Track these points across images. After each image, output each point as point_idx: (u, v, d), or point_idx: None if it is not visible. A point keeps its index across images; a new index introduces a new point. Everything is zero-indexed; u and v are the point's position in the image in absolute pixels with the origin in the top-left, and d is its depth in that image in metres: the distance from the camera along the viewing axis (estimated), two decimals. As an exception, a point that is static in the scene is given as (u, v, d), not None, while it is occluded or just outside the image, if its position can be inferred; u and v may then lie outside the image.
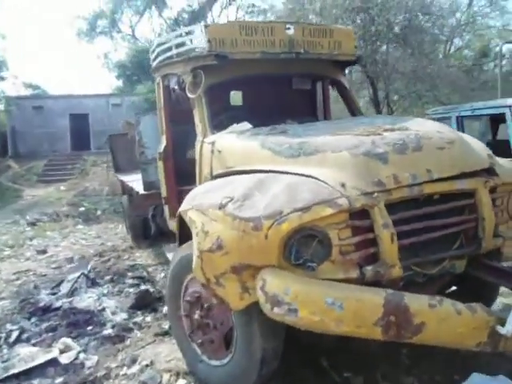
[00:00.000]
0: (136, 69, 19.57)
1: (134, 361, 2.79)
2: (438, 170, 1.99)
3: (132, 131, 4.79)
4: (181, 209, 2.37)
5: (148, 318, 3.43)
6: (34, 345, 3.07)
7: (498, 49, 16.47)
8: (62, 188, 13.51)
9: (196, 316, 2.39)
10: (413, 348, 2.68)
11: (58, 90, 25.75)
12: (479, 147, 2.28)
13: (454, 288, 2.80)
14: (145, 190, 3.92)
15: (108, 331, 3.19)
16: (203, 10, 24.55)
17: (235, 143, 2.55)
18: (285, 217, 1.72)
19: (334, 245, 1.77)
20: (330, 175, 1.90)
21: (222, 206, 1.92)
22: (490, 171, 2.15)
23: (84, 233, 7.24)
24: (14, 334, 3.18)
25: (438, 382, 2.44)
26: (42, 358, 2.78)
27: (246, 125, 2.82)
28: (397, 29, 6.62)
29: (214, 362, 2.40)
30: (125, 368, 2.72)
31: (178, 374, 2.61)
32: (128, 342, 3.04)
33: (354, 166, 1.92)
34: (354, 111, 3.53)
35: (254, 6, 24.53)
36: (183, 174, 3.65)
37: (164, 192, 3.62)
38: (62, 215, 8.96)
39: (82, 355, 2.85)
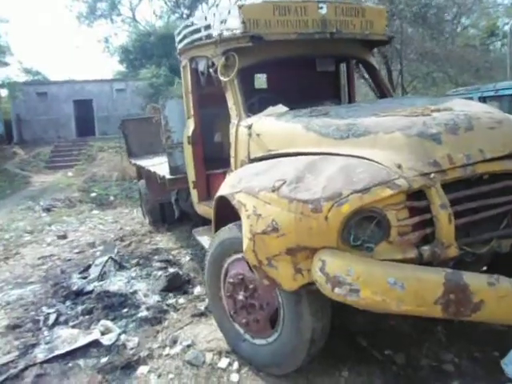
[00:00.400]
0: (139, 53, 19.32)
1: (174, 341, 2.85)
2: (490, 150, 1.98)
3: (158, 116, 4.75)
4: (225, 192, 2.37)
5: (181, 300, 3.48)
6: (72, 327, 3.13)
7: (506, 28, 16.19)
8: (70, 174, 13.51)
9: (240, 297, 2.42)
10: (447, 325, 2.77)
11: (58, 75, 25.52)
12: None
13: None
14: (171, 174, 3.91)
15: (144, 313, 3.25)
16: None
17: (276, 126, 2.54)
18: (345, 198, 1.73)
19: (392, 226, 1.78)
20: (385, 156, 1.90)
21: (275, 189, 1.93)
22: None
23: (100, 218, 7.27)
24: (52, 317, 3.24)
25: (478, 359, 2.49)
26: (84, 340, 2.84)
27: (282, 107, 2.81)
28: (416, 7, 6.46)
29: (259, 341, 2.45)
30: (167, 348, 2.77)
31: (220, 353, 2.66)
32: (166, 323, 3.10)
33: (409, 147, 1.91)
34: (384, 92, 3.50)
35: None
36: (211, 158, 3.66)
37: (193, 176, 3.62)
38: (74, 201, 8.99)
39: (122, 337, 2.91)
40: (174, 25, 22.40)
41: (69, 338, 2.92)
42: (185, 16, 24.50)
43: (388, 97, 3.47)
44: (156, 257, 4.58)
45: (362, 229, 1.78)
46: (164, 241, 5.44)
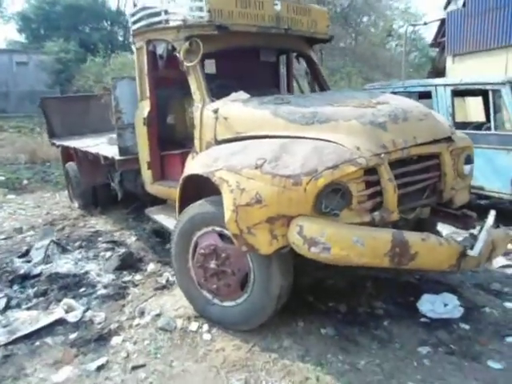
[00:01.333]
0: (42, 22, 17.51)
1: (142, 313, 3.00)
2: (420, 137, 2.53)
3: (106, 96, 4.59)
4: (200, 171, 2.58)
5: (137, 277, 3.60)
6: (27, 309, 3.07)
7: (401, 30, 18.24)
8: (-36, 156, 11.95)
9: (212, 265, 2.68)
10: (374, 280, 3.37)
11: None
12: (442, 119, 2.89)
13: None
14: (120, 155, 3.91)
15: (103, 291, 3.31)
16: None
17: (244, 111, 2.80)
18: (319, 174, 2.10)
19: (353, 196, 2.21)
20: (346, 140, 2.31)
21: (258, 166, 2.23)
22: (449, 139, 2.76)
23: (19, 203, 6.74)
24: (2, 301, 3.13)
25: (400, 303, 3.11)
26: (48, 319, 2.84)
27: (244, 94, 3.07)
28: (339, 9, 7.12)
29: (228, 303, 2.75)
30: (136, 319, 2.92)
31: (189, 318, 2.90)
32: (129, 297, 3.22)
33: (364, 133, 2.35)
34: (322, 85, 3.95)
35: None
36: (163, 140, 3.77)
37: (147, 157, 3.70)
38: (-21, 185, 8.11)
39: (88, 313, 2.97)
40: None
41: (28, 319, 2.88)
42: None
43: (326, 89, 3.94)
44: (100, 238, 4.54)
45: (330, 199, 2.18)
46: (101, 223, 5.35)
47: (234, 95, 3.05)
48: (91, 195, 5.93)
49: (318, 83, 3.98)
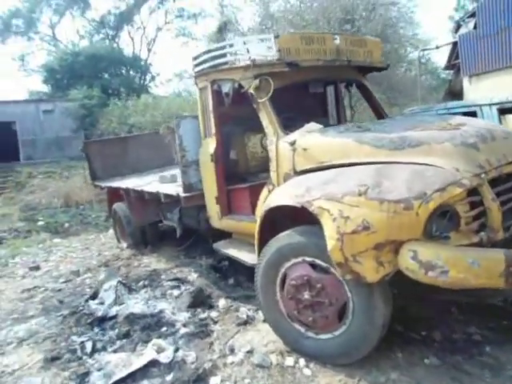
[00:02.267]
0: (67, 72, 18.38)
1: (232, 350, 2.95)
2: (509, 155, 2.53)
3: (170, 135, 4.74)
4: (290, 202, 2.60)
5: (213, 314, 3.56)
6: (114, 352, 3.05)
7: (412, 55, 18.60)
8: (-1, 203, 12.28)
9: (305, 296, 2.66)
10: (459, 305, 3.28)
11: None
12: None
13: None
14: (185, 192, 3.99)
15: (184, 330, 3.27)
16: (131, 12, 23.84)
17: (324, 141, 2.86)
18: (429, 197, 2.11)
19: (461, 217, 2.20)
20: (443, 162, 2.33)
21: (362, 193, 2.25)
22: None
23: (66, 246, 6.85)
24: (89, 345, 3.12)
25: (494, 328, 3.01)
26: (141, 361, 2.81)
27: (316, 125, 3.15)
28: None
29: (324, 336, 2.69)
30: (229, 357, 2.87)
31: (282, 354, 2.84)
32: (214, 335, 3.18)
33: (458, 154, 2.37)
34: (379, 111, 4.03)
35: (183, 10, 24.53)
36: (227, 175, 3.85)
37: (215, 192, 3.77)
38: (22, 231, 8.29)
39: (179, 353, 2.93)
40: (101, 45, 21.82)
41: (121, 362, 2.86)
42: (110, 37, 23.99)
43: (383, 115, 4.01)
44: (163, 276, 4.54)
45: (439, 222, 2.17)
46: (154, 262, 5.36)
47: (307, 126, 3.13)
48: (140, 235, 6.01)
49: (376, 110, 4.05)
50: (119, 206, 6.15)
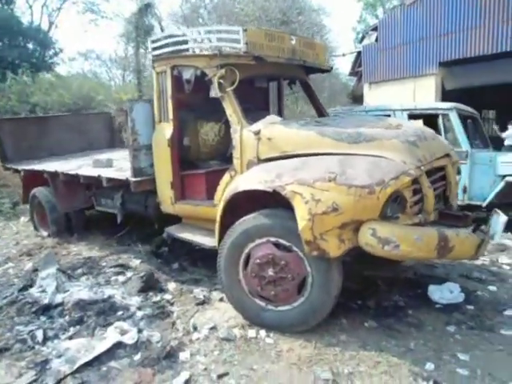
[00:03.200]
0: None
1: (195, 327, 3.08)
2: (436, 152, 3.11)
3: (122, 117, 4.46)
4: (262, 186, 2.81)
5: (166, 296, 3.62)
6: (69, 338, 2.95)
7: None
8: None
9: (269, 273, 2.92)
10: (383, 279, 3.86)
11: None
12: (443, 139, 3.53)
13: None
14: (135, 176, 3.91)
15: (142, 312, 3.29)
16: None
17: (289, 132, 3.12)
18: (387, 184, 2.52)
19: (407, 201, 2.66)
20: (393, 155, 2.77)
21: (331, 179, 2.57)
22: (449, 154, 3.40)
23: (-27, 235, 6.06)
24: (39, 333, 2.95)
25: (412, 296, 3.62)
26: (107, 343, 2.79)
27: (276, 117, 3.40)
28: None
29: (284, 308, 2.98)
30: (194, 334, 3.00)
31: (243, 327, 3.07)
32: (174, 315, 3.26)
33: (404, 149, 2.84)
34: (320, 109, 4.44)
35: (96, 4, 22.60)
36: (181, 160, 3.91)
37: (169, 177, 3.78)
38: None
39: (143, 334, 2.95)
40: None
41: (81, 347, 2.79)
42: (3, 1, 21.02)
43: (323, 112, 4.43)
44: (103, 263, 4.39)
45: (391, 205, 2.60)
46: (85, 250, 5.11)
47: (268, 118, 3.36)
48: (65, 222, 5.64)
49: (317, 108, 4.45)
50: (40, 191, 5.66)
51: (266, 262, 2.93)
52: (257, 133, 3.21)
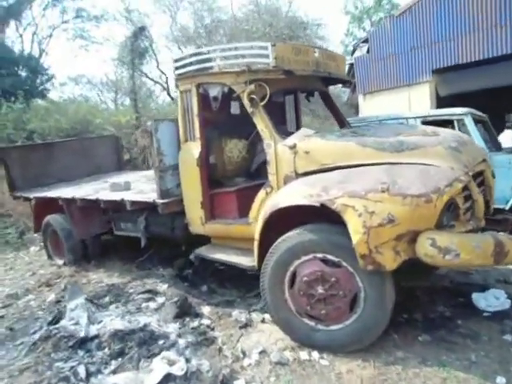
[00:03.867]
0: None
1: (243, 353, 2.94)
2: (476, 157, 3.07)
3: (146, 139, 4.37)
4: (309, 200, 2.72)
5: (204, 321, 3.48)
6: (113, 373, 2.80)
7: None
8: None
9: (319, 291, 2.81)
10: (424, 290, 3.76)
11: None
12: (479, 145, 3.49)
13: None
14: (162, 198, 3.81)
15: (183, 340, 3.14)
16: (20, 6, 21.37)
17: (327, 144, 3.06)
18: (443, 191, 2.46)
19: (460, 209, 2.60)
20: (440, 162, 2.71)
21: (384, 190, 2.49)
22: (485, 159, 3.36)
23: (-19, 268, 5.86)
24: (81, 369, 2.79)
25: (456, 305, 3.53)
26: (157, 376, 2.63)
27: (310, 130, 3.34)
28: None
29: (335, 327, 2.87)
30: (245, 360, 2.86)
31: (293, 349, 2.94)
32: (219, 340, 3.11)
33: (449, 155, 2.79)
34: (342, 120, 4.41)
35: (83, 10, 22.82)
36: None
37: (199, 197, 3.69)
38: None
39: (191, 363, 2.81)
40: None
41: (129, 381, 2.63)
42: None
43: (345, 123, 4.40)
44: (131, 290, 4.24)
45: (447, 213, 2.53)
46: (105, 277, 4.96)
47: (302, 131, 3.31)
48: (81, 249, 5.49)
49: (339, 118, 4.43)
50: (55, 219, 5.51)
51: (315, 280, 2.83)
52: (292, 147, 3.14)
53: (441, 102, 13.28)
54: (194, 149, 3.67)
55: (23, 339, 3.40)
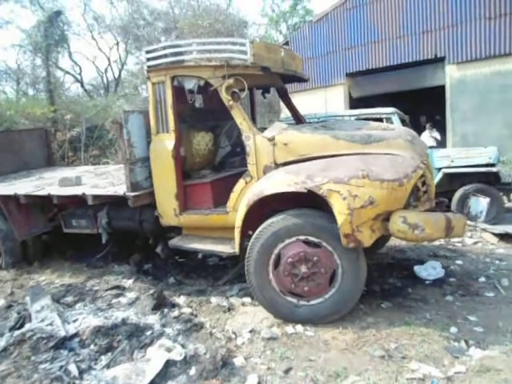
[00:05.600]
0: None
1: (234, 333, 3.10)
2: (423, 149, 3.62)
3: (116, 130, 4.07)
4: (295, 187, 2.98)
5: (185, 310, 3.54)
6: (108, 367, 2.76)
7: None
8: None
9: (302, 270, 3.10)
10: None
11: None
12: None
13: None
14: (132, 191, 3.73)
15: (171, 329, 3.18)
16: None
17: (304, 137, 3.33)
18: (410, 176, 2.90)
19: (420, 191, 3.09)
20: (402, 153, 3.17)
21: (365, 176, 2.86)
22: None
23: None
24: (73, 368, 2.69)
25: (402, 277, 4.11)
26: (158, 363, 2.67)
27: (283, 124, 3.59)
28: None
29: (315, 301, 3.18)
30: (238, 339, 3.02)
31: (279, 325, 3.18)
32: (208, 325, 3.21)
33: (408, 147, 3.26)
34: (298, 116, 4.75)
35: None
36: None
37: (174, 189, 3.71)
38: None
39: (188, 348, 2.88)
40: None
41: (129, 373, 2.63)
42: None
43: (301, 119, 4.76)
44: (96, 288, 4.07)
45: (412, 195, 3.00)
46: (55, 278, 4.68)
47: (276, 125, 3.54)
48: (20, 251, 5.05)
49: (295, 114, 4.76)
50: (-14, 218, 4.98)
51: (298, 260, 3.10)
52: (271, 139, 3.37)
53: (353, 102, 14.63)
54: (167, 141, 3.69)
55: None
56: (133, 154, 3.72)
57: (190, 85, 3.56)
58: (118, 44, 21.62)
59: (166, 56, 3.57)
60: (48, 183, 4.97)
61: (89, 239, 4.90)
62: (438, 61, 12.37)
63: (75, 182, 4.66)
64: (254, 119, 5.05)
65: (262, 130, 3.52)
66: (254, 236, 3.24)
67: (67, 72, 20.75)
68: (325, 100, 15.26)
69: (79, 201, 4.19)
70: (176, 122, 3.68)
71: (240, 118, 3.48)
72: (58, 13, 12.11)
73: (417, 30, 12.71)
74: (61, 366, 2.71)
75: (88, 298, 3.89)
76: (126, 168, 3.74)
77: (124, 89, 25.42)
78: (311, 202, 3.14)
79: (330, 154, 3.23)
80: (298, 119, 4.79)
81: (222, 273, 4.50)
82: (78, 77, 21.75)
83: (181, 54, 3.54)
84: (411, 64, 12.96)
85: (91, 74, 34.48)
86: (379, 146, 3.23)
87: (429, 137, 9.21)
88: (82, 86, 22.48)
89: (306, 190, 2.96)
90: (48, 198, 4.30)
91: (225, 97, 3.44)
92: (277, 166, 3.36)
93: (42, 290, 3.75)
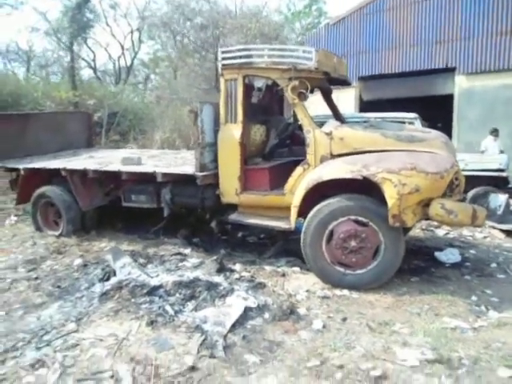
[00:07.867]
0: None
1: (293, 290, 3.73)
2: (454, 150, 4.26)
3: (191, 118, 4.63)
4: (352, 175, 3.60)
5: (244, 274, 4.16)
6: (195, 310, 3.37)
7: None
8: None
9: (352, 244, 3.73)
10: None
11: None
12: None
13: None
14: (200, 171, 4.33)
15: (237, 285, 3.79)
16: None
17: (357, 133, 3.96)
18: (449, 171, 3.55)
19: (454, 184, 3.73)
20: (441, 152, 3.81)
21: (413, 168, 3.49)
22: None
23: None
24: (169, 308, 3.30)
25: (426, 260, 4.76)
26: (240, 307, 3.29)
27: (337, 122, 4.22)
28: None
29: (361, 271, 3.82)
30: (297, 296, 3.65)
31: (328, 289, 3.81)
32: (269, 284, 3.84)
33: (444, 147, 3.90)
34: (338, 115, 5.37)
35: None
36: None
37: (238, 171, 4.32)
38: None
39: (260, 299, 3.50)
40: None
41: (217, 313, 3.24)
42: None
43: (341, 118, 5.37)
44: (161, 253, 4.68)
45: (449, 187, 3.64)
46: (114, 244, 5.22)
47: (332, 122, 4.17)
48: (80, 221, 5.63)
49: (336, 114, 5.37)
50: (52, 190, 5.54)
51: (349, 236, 3.74)
52: (329, 133, 3.99)
53: (363, 105, 15.24)
54: (235, 130, 4.29)
55: (81, 293, 3.71)
56: (204, 139, 4.32)
57: (259, 83, 4.16)
58: (132, 32, 22.07)
59: (240, 57, 4.16)
60: (105, 162, 5.53)
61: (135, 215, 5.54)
62: (449, 70, 13.01)
63: (137, 161, 5.24)
64: (282, 114, 5.69)
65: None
66: (311, 213, 3.86)
67: (82, 58, 21.16)
68: (337, 101, 15.82)
69: (143, 178, 4.77)
70: (244, 115, 4.28)
71: (302, 114, 4.10)
72: (85, 1, 12.56)
73: (430, 40, 13.32)
74: (159, 307, 3.32)
75: (155, 261, 4.49)
76: (197, 151, 4.34)
77: (136, 77, 25.80)
78: (360, 188, 3.77)
79: (380, 149, 3.86)
80: (338, 118, 5.39)
81: (263, 249, 5.13)
82: (92, 63, 22.14)
83: (251, 56, 4.13)
84: (422, 72, 13.60)
85: (102, 60, 34.69)
86: (421, 145, 3.87)
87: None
88: (95, 72, 22.88)
89: (361, 177, 3.59)
90: (114, 174, 4.88)
91: (290, 96, 4.04)
92: (332, 156, 3.99)
93: (121, 251, 4.34)
